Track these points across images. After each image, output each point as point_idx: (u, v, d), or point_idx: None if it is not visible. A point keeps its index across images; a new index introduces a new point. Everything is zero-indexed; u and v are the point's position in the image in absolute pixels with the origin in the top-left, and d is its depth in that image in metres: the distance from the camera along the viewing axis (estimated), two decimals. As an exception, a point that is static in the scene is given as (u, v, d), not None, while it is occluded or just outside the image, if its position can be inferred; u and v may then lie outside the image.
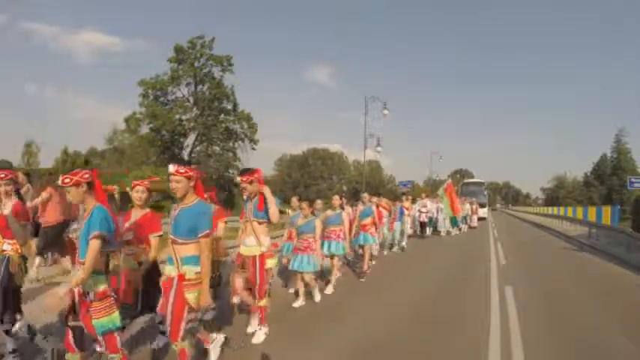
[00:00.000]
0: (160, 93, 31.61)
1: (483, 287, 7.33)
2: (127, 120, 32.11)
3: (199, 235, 3.06)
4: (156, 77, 31.15)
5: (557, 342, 4.61)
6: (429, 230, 16.75)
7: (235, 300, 4.55)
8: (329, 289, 6.52)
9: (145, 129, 31.54)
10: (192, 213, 3.09)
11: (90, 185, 2.93)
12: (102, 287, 2.88)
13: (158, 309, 3.34)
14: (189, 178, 3.12)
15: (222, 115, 33.25)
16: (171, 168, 3.10)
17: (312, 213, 5.73)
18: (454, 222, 18.18)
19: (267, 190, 4.26)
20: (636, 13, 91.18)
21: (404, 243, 12.54)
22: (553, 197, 67.79)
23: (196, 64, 31.56)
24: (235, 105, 33.25)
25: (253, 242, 4.23)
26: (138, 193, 3.94)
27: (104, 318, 2.85)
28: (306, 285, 5.77)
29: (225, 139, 33.69)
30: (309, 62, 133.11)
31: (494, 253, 11.89)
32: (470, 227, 20.78)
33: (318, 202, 6.93)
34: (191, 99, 32.45)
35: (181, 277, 3.11)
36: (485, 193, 32.57)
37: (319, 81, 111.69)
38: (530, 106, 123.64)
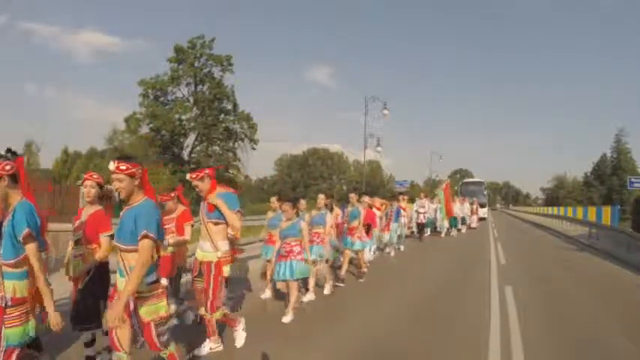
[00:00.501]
0: (160, 93, 31.57)
1: (483, 287, 7.32)
2: (127, 120, 32.07)
3: (138, 238, 2.65)
4: (156, 77, 31.13)
5: (557, 342, 4.60)
6: (427, 231, 16.30)
7: (202, 311, 3.96)
8: (307, 297, 5.95)
9: (145, 129, 31.51)
10: (133, 214, 2.69)
11: (13, 178, 2.65)
12: (20, 293, 2.63)
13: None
14: (132, 175, 2.70)
15: (222, 115, 33.22)
16: (111, 165, 2.70)
17: (297, 214, 5.22)
18: (453, 222, 17.73)
19: (214, 199, 3.76)
20: (636, 13, 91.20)
21: (401, 246, 12.21)
22: (553, 197, 67.73)
23: (196, 64, 31.52)
24: (235, 105, 33.23)
25: (209, 247, 3.81)
26: (87, 189, 3.59)
27: (17, 328, 2.61)
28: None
29: (225, 139, 33.66)
30: (309, 62, 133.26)
31: (494, 253, 11.89)
32: (469, 228, 20.35)
33: (302, 202, 6.36)
34: (191, 99, 32.41)
35: None
36: (485, 192, 32.32)
37: (319, 81, 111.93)
38: (530, 106, 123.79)
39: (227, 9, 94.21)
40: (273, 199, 6.33)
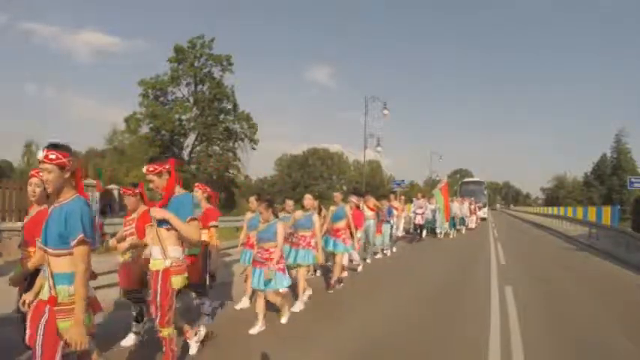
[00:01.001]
0: (160, 93, 31.56)
1: (483, 287, 7.32)
2: (127, 120, 32.03)
3: (72, 243, 2.33)
4: (156, 77, 31.11)
5: (557, 342, 4.60)
6: (425, 232, 15.78)
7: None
8: (297, 306, 5.55)
9: (145, 129, 31.51)
10: (63, 213, 2.35)
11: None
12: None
13: (26, 339, 2.43)
14: (62, 166, 2.36)
15: (222, 115, 33.21)
16: (40, 154, 2.37)
17: (275, 215, 4.79)
18: (452, 224, 17.32)
19: (160, 213, 3.18)
20: (636, 13, 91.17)
21: (393, 249, 11.61)
22: (553, 197, 67.73)
23: (196, 64, 31.51)
24: (235, 105, 33.22)
25: (158, 254, 3.29)
26: (31, 187, 3.27)
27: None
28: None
29: (225, 139, 33.65)
30: (309, 62, 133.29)
31: (494, 253, 11.89)
32: (468, 228, 19.89)
33: (289, 203, 6.05)
34: (191, 99, 32.40)
35: (52, 301, 2.37)
36: (485, 192, 32.04)
37: (319, 81, 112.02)
38: (530, 106, 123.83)
39: (227, 9, 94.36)
40: (252, 198, 6.01)
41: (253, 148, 34.62)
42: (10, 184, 10.33)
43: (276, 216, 4.82)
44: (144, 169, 3.33)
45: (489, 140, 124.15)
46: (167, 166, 3.34)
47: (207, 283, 4.85)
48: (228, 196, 32.65)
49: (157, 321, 3.26)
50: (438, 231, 16.31)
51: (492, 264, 9.99)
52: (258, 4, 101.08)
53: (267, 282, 4.55)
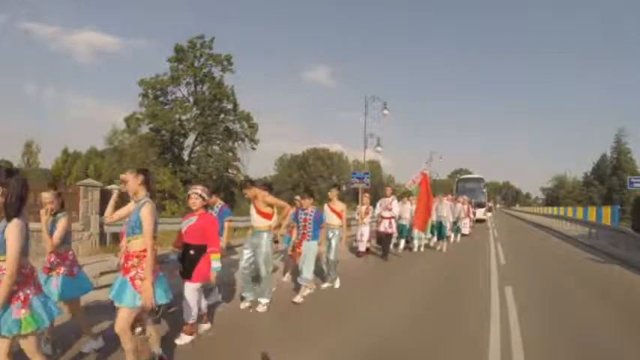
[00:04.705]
0: (160, 93, 31.58)
1: (483, 287, 7.32)
2: (127, 120, 32.03)
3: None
4: (156, 77, 31.09)
5: (557, 342, 4.61)
6: (401, 243, 11.70)
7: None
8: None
9: (145, 129, 31.52)
10: None
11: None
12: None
13: None
14: None
15: (222, 115, 33.24)
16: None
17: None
18: (443, 232, 12.80)
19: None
20: (636, 13, 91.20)
21: (335, 281, 7.02)
22: (553, 197, 67.76)
23: (196, 63, 31.52)
24: (235, 105, 33.24)
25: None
26: None
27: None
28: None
29: (225, 139, 33.66)
30: (309, 62, 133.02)
31: (494, 254, 11.89)
32: (462, 235, 15.97)
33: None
34: (191, 99, 32.40)
35: None
36: (485, 190, 29.71)
37: (319, 81, 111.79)
38: (530, 106, 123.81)
39: (227, 9, 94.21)
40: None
41: (253, 148, 34.64)
42: None
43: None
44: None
45: (489, 140, 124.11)
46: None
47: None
48: (228, 196, 32.65)
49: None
50: (415, 243, 11.95)
51: (492, 264, 9.99)
52: (258, 4, 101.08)
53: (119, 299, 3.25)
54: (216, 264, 4.15)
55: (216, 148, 33.99)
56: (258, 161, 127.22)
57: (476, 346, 4.36)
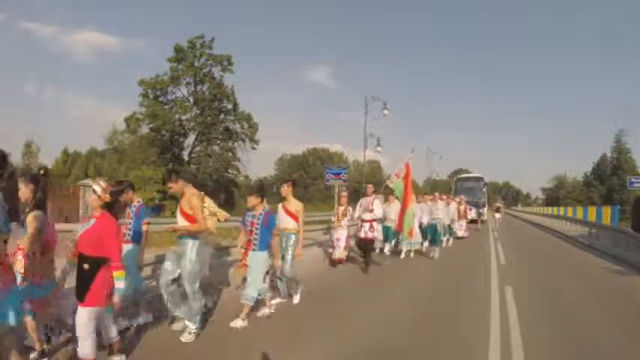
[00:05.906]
0: (160, 93, 31.59)
1: (483, 287, 7.32)
2: (127, 120, 32.05)
3: None
4: (156, 77, 31.11)
5: (557, 342, 4.60)
6: (387, 248, 10.37)
7: None
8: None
9: (145, 129, 31.55)
10: None
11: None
12: None
13: None
14: None
15: (222, 115, 33.25)
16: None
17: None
18: (436, 235, 11.32)
19: None
20: (636, 13, 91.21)
21: (295, 294, 5.85)
22: (553, 197, 67.69)
23: (196, 63, 31.54)
24: (235, 105, 33.24)
25: None
26: None
27: None
28: None
29: (225, 139, 33.68)
30: (309, 62, 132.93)
31: (494, 254, 11.88)
32: (456, 238, 14.74)
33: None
34: (191, 99, 32.41)
35: None
36: (485, 190, 27.93)
37: (319, 81, 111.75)
38: (531, 106, 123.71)
39: (227, 9, 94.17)
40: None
41: (253, 148, 34.67)
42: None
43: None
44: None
45: (489, 140, 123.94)
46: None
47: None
48: (228, 196, 32.67)
49: None
50: (404, 249, 10.54)
51: (492, 264, 9.98)
52: (258, 4, 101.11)
53: None
54: (119, 284, 3.21)
55: (216, 148, 34.01)
56: (258, 161, 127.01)
57: (476, 347, 4.35)
